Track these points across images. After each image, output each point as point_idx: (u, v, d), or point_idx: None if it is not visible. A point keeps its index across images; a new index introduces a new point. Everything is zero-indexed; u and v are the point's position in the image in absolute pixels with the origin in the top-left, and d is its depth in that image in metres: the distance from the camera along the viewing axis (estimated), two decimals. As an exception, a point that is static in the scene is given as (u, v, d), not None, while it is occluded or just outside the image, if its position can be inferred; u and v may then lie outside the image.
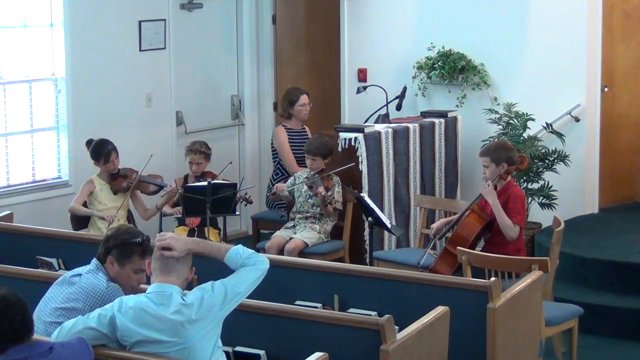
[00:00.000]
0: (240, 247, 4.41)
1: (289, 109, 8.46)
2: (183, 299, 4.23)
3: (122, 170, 7.84)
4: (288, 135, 8.40)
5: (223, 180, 7.95)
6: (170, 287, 4.27)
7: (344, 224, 7.86)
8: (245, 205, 7.95)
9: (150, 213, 7.95)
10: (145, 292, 4.34)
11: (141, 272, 4.58)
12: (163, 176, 8.28)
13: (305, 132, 8.53)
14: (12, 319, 3.75)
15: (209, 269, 4.58)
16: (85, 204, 7.74)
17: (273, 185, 8.39)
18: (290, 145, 8.36)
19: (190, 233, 7.74)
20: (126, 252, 4.56)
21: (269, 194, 8.38)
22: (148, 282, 4.46)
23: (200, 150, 8.08)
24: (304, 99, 8.45)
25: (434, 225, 7.06)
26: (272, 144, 8.58)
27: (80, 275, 4.61)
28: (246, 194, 7.77)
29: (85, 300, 4.47)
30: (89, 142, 7.86)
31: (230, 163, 7.90)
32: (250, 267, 4.36)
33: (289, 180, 7.96)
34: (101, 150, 7.73)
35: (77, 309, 4.42)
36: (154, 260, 4.34)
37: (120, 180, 7.79)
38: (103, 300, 4.47)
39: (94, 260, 4.64)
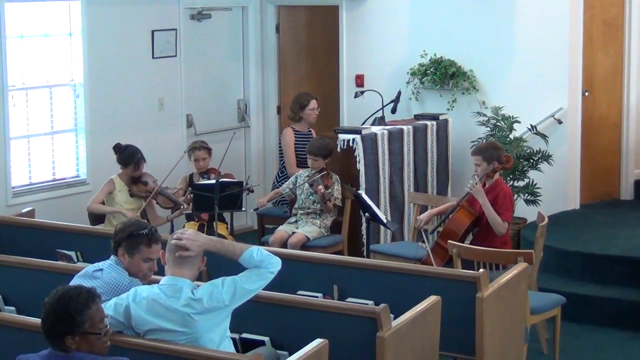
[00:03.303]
0: (255, 249, 4.33)
1: (299, 113, 8.46)
2: (193, 293, 4.20)
3: (143, 176, 7.75)
4: (295, 137, 8.40)
5: (225, 174, 7.95)
6: (182, 281, 4.24)
7: (343, 220, 7.85)
8: (248, 194, 7.95)
9: (160, 222, 7.74)
10: (158, 282, 4.33)
11: (150, 260, 4.56)
12: (174, 175, 8.24)
13: (312, 135, 8.52)
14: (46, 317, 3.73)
15: (220, 262, 4.55)
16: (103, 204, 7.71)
17: (278, 182, 8.40)
18: (297, 147, 8.35)
19: (200, 227, 7.73)
20: (134, 243, 4.54)
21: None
22: (162, 271, 4.45)
23: (202, 147, 8.08)
24: (313, 103, 8.46)
25: (422, 217, 7.01)
26: (279, 143, 8.57)
27: (102, 270, 4.60)
28: (247, 183, 7.77)
29: (110, 294, 4.45)
30: (116, 147, 7.71)
31: (225, 153, 7.84)
32: (263, 270, 4.30)
33: (290, 179, 7.96)
34: (132, 158, 7.58)
35: (103, 302, 4.36)
36: (168, 251, 4.31)
37: (140, 186, 7.65)
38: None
39: (113, 257, 4.63)
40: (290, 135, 8.41)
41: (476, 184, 6.63)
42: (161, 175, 7.88)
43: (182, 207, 7.70)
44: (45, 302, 3.78)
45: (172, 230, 7.90)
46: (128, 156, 7.65)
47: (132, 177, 7.67)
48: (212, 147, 8.18)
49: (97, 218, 7.71)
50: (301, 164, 8.28)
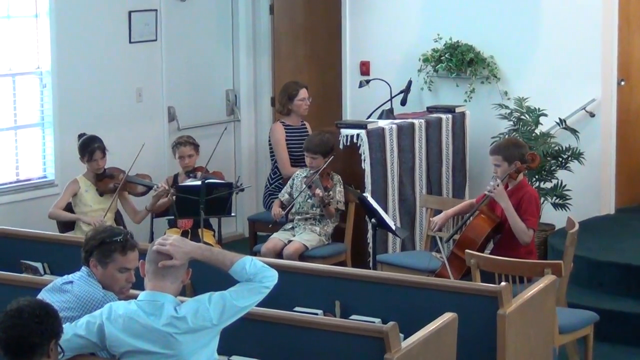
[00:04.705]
0: (248, 259, 4.30)
1: (287, 105, 8.46)
2: (176, 310, 4.19)
3: (108, 170, 7.81)
4: (286, 132, 8.40)
5: (214, 172, 7.96)
6: (163, 297, 4.23)
7: (345, 226, 7.85)
8: (237, 193, 7.96)
9: (141, 216, 7.92)
10: (136, 297, 4.33)
11: (126, 270, 4.55)
12: (155, 175, 8.27)
13: (305, 128, 8.52)
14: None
15: (207, 274, 4.55)
16: (69, 206, 7.72)
17: (271, 185, 8.40)
18: (289, 143, 8.36)
19: (183, 235, 7.73)
20: (106, 251, 4.54)
21: (266, 199, 8.38)
22: (140, 284, 4.45)
23: (188, 142, 8.10)
24: (303, 93, 8.45)
25: (436, 220, 7.00)
26: (269, 141, 8.58)
27: (72, 282, 4.59)
28: (237, 181, 7.77)
29: (81, 309, 4.45)
30: (80, 136, 7.86)
31: (214, 150, 7.83)
32: (257, 284, 4.29)
33: (287, 183, 7.95)
34: (86, 148, 7.73)
35: (73, 319, 4.37)
36: (148, 262, 4.30)
37: (106, 181, 7.76)
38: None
39: (85, 268, 4.63)
40: (280, 131, 8.41)
41: (497, 185, 6.64)
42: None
43: (155, 186, 7.79)
44: (11, 313, 3.79)
45: (151, 239, 7.92)
46: (82, 145, 7.74)
47: (97, 173, 7.71)
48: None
49: (66, 224, 7.74)
50: (295, 162, 8.28)
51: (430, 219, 7.17)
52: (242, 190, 7.91)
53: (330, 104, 9.79)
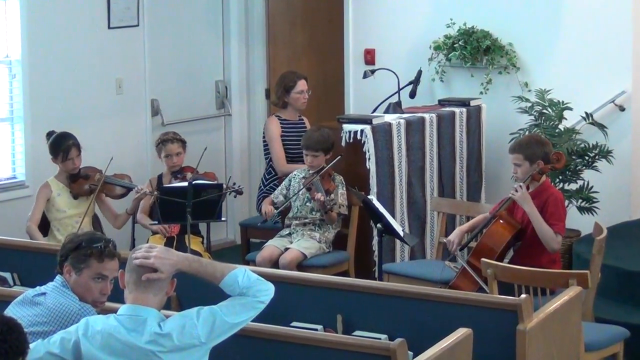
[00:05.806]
0: (240, 271, 4.30)
1: (284, 97, 8.47)
2: (160, 326, 4.18)
3: (83, 170, 7.77)
4: (283, 127, 8.41)
5: (205, 173, 7.95)
6: (146, 311, 4.22)
7: (348, 232, 7.85)
8: (235, 196, 7.95)
9: (121, 220, 7.91)
10: (115, 311, 4.32)
11: (102, 278, 4.54)
12: (136, 175, 8.26)
13: (304, 124, 8.53)
14: None
15: (194, 286, 4.55)
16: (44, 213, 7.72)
17: (265, 186, 8.40)
18: (286, 140, 8.36)
19: (169, 242, 7.74)
20: (82, 255, 4.53)
21: (260, 201, 8.39)
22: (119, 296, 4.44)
23: (175, 138, 8.08)
24: (301, 84, 8.46)
25: (452, 238, 6.98)
26: (263, 137, 8.58)
27: (44, 294, 4.59)
28: (234, 183, 7.78)
29: (56, 323, 4.44)
30: (49, 134, 7.82)
31: (206, 149, 7.82)
32: (250, 298, 4.28)
33: (282, 184, 7.95)
34: (60, 146, 7.68)
35: (47, 334, 4.36)
36: (128, 272, 4.29)
37: (81, 182, 7.73)
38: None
39: (59, 277, 4.62)
40: (276, 126, 8.41)
41: (520, 187, 6.62)
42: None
43: (135, 188, 7.79)
44: None
45: (133, 246, 7.91)
46: (54, 143, 7.70)
47: (71, 174, 7.70)
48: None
49: (39, 230, 7.70)
50: (292, 161, 8.29)
51: (446, 239, 7.09)
52: (241, 193, 7.90)
53: (331, 96, 9.80)
